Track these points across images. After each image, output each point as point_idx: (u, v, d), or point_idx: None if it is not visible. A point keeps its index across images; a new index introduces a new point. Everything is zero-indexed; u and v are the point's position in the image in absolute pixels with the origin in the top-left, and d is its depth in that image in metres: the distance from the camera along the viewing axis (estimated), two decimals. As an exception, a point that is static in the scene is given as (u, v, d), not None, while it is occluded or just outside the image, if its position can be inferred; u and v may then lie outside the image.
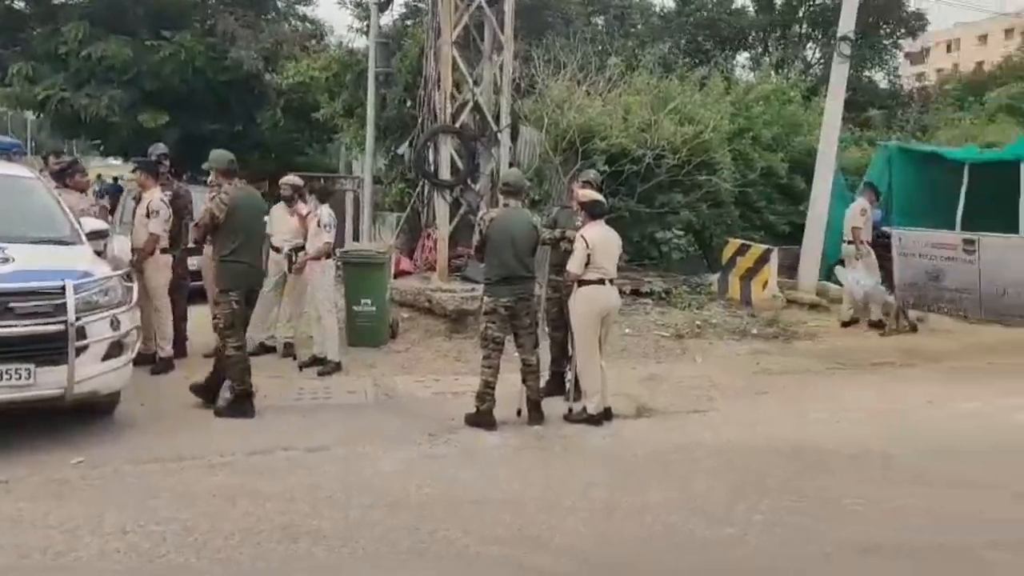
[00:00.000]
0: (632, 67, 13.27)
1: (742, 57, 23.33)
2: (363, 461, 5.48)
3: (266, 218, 7.43)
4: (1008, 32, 41.59)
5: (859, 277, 10.71)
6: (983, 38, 54.06)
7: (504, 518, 4.58)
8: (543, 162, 11.01)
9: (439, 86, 10.66)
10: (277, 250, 8.13)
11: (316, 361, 7.92)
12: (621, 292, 10.46)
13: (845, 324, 10.61)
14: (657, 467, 5.55)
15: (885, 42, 24.12)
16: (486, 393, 6.35)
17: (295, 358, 8.11)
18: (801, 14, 24.47)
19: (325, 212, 7.89)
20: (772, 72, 16.30)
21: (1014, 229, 11.09)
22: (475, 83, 10.96)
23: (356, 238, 13.56)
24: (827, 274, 12.11)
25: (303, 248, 7.94)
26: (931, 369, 8.75)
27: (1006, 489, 5.17)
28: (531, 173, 10.48)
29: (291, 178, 8.45)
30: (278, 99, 19.63)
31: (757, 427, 6.51)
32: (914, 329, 10.49)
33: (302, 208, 8.21)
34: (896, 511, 4.79)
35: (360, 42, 17.15)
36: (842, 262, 11.53)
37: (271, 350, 8.36)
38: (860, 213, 10.74)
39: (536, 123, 11.16)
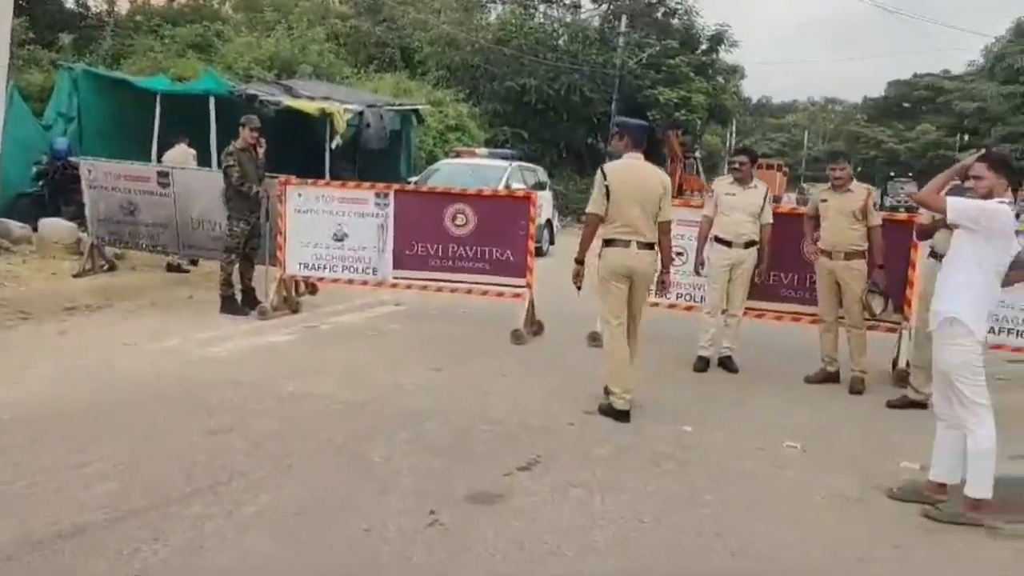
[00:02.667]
0: None
1: None
2: None
3: None
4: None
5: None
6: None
7: None
8: None
9: None
10: None
11: None
12: None
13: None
14: None
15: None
16: None
17: None
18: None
19: None
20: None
21: (207, 160, 11.27)
22: None
23: None
24: (6, 211, 10.54)
25: None
26: (130, 309, 8.23)
27: (201, 427, 4.93)
28: None
29: None
30: None
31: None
32: (112, 267, 9.84)
33: None
34: (84, 477, 4.08)
35: None
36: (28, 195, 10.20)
37: None
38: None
39: None
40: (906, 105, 67.44)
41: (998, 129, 28.20)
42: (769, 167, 47.80)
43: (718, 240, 6.99)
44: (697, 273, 7.15)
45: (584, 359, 7.14)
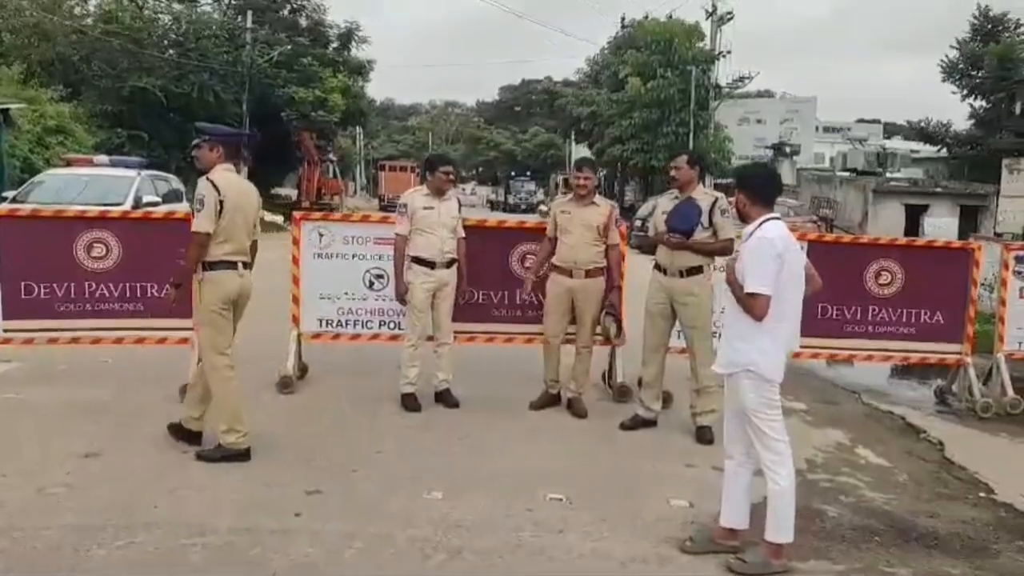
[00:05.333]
0: None
1: None
2: None
3: None
4: None
5: None
6: None
7: None
8: None
9: None
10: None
11: None
12: None
13: None
14: None
15: None
16: None
17: None
18: None
19: None
20: None
21: None
22: None
23: None
24: None
25: None
26: None
27: None
28: None
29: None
30: None
31: None
32: None
33: None
34: None
35: None
36: None
37: None
38: None
39: None
40: (517, 109, 73.00)
41: (609, 131, 31.23)
42: (403, 169, 48.69)
43: (419, 261, 6.13)
44: (401, 301, 6.22)
45: (291, 411, 5.96)
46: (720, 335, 6.29)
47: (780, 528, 3.75)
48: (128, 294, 6.32)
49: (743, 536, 3.96)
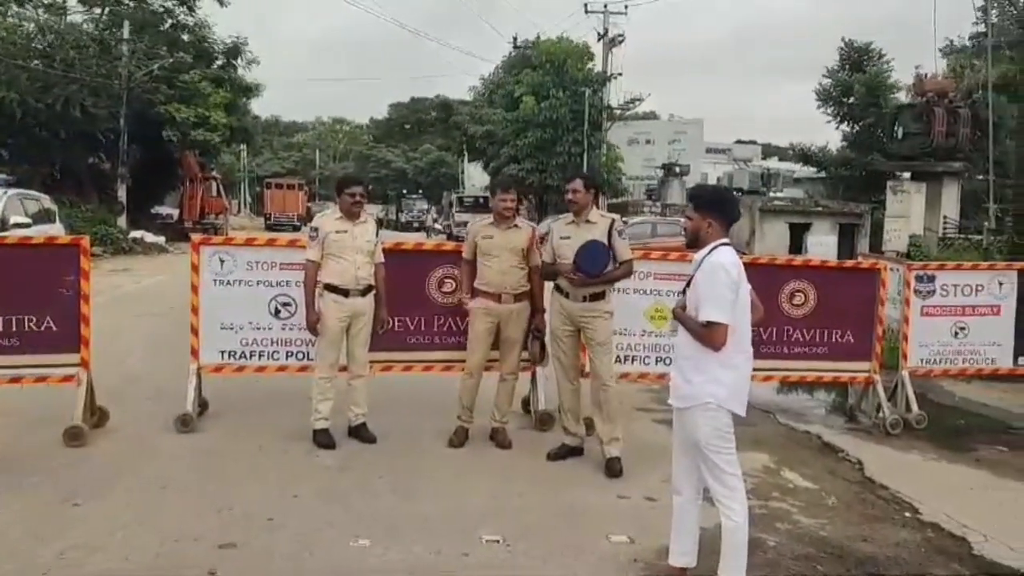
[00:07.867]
0: None
1: None
2: None
3: None
4: None
5: None
6: None
7: None
8: None
9: None
10: None
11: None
12: None
13: None
14: None
15: None
16: None
17: None
18: None
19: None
20: None
21: None
22: None
23: None
24: None
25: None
26: None
27: None
28: None
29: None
30: None
31: None
32: None
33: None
34: None
35: None
36: None
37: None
38: None
39: None
40: (407, 126, 72.54)
41: (504, 150, 31.29)
42: (290, 187, 47.52)
43: (331, 289, 5.76)
44: (313, 332, 5.83)
45: (195, 453, 5.47)
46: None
47: (734, 567, 3.60)
48: (2, 328, 5.68)
49: (692, 574, 3.81)
